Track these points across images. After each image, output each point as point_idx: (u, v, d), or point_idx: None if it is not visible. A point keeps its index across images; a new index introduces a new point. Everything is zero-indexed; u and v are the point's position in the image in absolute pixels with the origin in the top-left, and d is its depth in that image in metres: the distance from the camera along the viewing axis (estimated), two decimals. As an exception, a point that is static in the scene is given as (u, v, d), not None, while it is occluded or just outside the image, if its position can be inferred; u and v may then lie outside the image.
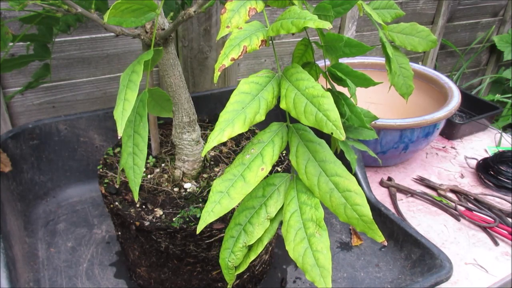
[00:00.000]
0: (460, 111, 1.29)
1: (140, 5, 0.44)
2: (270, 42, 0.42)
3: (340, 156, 0.48)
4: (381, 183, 1.00)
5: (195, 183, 0.66)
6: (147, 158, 0.70)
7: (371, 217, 0.38)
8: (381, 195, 0.97)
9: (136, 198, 0.45)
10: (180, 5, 0.80)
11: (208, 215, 0.39)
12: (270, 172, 0.67)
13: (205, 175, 0.67)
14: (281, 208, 0.43)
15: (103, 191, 0.63)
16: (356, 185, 0.39)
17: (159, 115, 0.57)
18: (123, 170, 0.47)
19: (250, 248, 0.44)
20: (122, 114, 0.41)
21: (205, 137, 0.74)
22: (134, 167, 0.44)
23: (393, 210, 0.89)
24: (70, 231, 0.82)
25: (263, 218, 0.42)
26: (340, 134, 0.36)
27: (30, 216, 0.84)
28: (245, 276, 0.69)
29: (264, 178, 0.42)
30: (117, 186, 0.64)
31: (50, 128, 0.87)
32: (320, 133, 0.40)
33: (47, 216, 0.85)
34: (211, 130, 0.78)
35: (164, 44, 0.56)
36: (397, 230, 0.79)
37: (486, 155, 1.12)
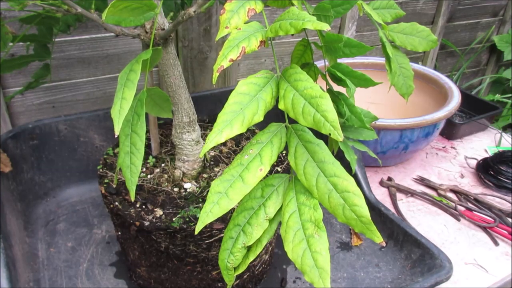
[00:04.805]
0: (460, 111, 1.29)
1: (139, 4, 0.44)
2: (269, 43, 0.42)
3: (340, 156, 0.48)
4: (381, 183, 1.00)
5: (195, 183, 0.66)
6: (147, 158, 0.70)
7: (370, 218, 0.38)
8: (381, 195, 0.97)
9: (132, 197, 0.45)
10: (180, 5, 0.80)
11: (207, 216, 0.39)
12: (270, 172, 0.67)
13: (205, 175, 0.67)
14: (280, 209, 0.43)
15: (103, 191, 0.64)
16: (355, 186, 0.39)
17: (158, 115, 0.57)
18: (120, 170, 0.47)
19: (249, 248, 0.44)
20: (119, 113, 0.41)
21: (205, 137, 0.74)
22: (131, 166, 0.44)
23: (393, 210, 0.89)
24: (70, 231, 0.82)
25: (262, 219, 0.42)
26: (338, 135, 0.36)
27: (30, 216, 0.84)
28: (245, 276, 0.69)
29: (263, 178, 0.42)
30: (114, 186, 0.64)
31: (50, 128, 0.87)
32: (319, 134, 0.40)
33: (47, 216, 0.85)
34: (211, 130, 0.78)
35: (164, 44, 0.56)
36: (397, 230, 0.79)
37: (486, 155, 1.12)
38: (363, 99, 1.17)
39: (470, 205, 0.94)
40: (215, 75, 0.38)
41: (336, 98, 0.50)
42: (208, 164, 0.69)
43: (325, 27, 0.37)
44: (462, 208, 0.92)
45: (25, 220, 0.83)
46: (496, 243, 0.85)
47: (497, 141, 1.20)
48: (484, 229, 0.88)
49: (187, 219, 0.58)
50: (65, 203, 0.89)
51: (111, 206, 0.62)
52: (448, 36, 1.66)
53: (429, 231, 0.87)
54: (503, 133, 1.21)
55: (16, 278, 0.64)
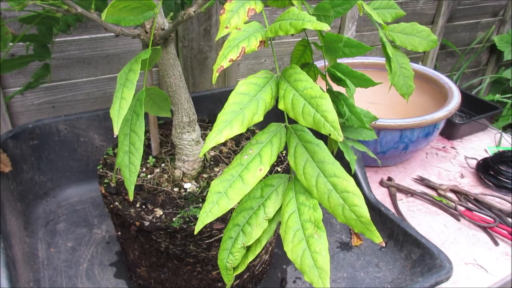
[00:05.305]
0: (460, 111, 1.29)
1: (138, 4, 0.44)
2: (269, 43, 0.42)
3: (339, 156, 0.48)
4: (381, 183, 1.00)
5: (195, 183, 0.66)
6: (147, 158, 0.70)
7: (369, 218, 0.38)
8: (381, 195, 0.97)
9: (131, 197, 0.44)
10: (180, 5, 0.80)
11: (206, 216, 0.39)
12: (270, 172, 0.68)
13: (205, 175, 0.67)
14: (280, 209, 0.43)
15: (103, 191, 0.64)
16: (354, 186, 0.39)
17: (157, 115, 0.57)
18: (119, 169, 0.47)
19: (248, 248, 0.44)
20: (118, 113, 0.41)
21: (205, 137, 0.74)
22: (130, 165, 0.44)
23: (393, 210, 0.89)
24: (70, 231, 0.82)
25: (261, 219, 0.42)
26: (338, 136, 0.36)
27: (30, 216, 0.85)
28: (245, 276, 0.69)
29: (263, 178, 0.42)
30: (112, 185, 0.64)
31: (50, 128, 0.87)
32: (318, 134, 0.40)
33: (47, 216, 0.85)
34: (211, 130, 0.78)
35: (164, 44, 0.56)
36: (397, 230, 0.79)
37: (486, 155, 1.12)
38: (363, 99, 1.17)
39: (470, 205, 0.94)
40: (215, 75, 0.38)
41: (336, 98, 0.50)
42: (208, 164, 0.69)
43: (325, 27, 0.37)
44: (462, 208, 0.92)
45: (25, 220, 0.83)
46: (496, 243, 0.85)
47: (497, 141, 1.20)
48: (484, 229, 0.88)
49: (187, 219, 0.58)
50: (65, 203, 0.89)
51: (111, 206, 0.62)
52: (448, 36, 1.66)
53: (429, 231, 0.87)
54: (503, 133, 1.21)
55: (16, 278, 0.64)
